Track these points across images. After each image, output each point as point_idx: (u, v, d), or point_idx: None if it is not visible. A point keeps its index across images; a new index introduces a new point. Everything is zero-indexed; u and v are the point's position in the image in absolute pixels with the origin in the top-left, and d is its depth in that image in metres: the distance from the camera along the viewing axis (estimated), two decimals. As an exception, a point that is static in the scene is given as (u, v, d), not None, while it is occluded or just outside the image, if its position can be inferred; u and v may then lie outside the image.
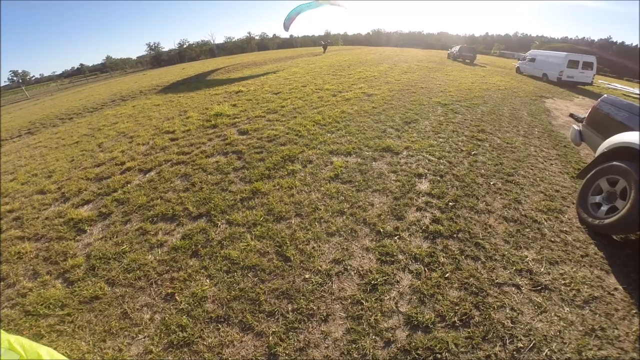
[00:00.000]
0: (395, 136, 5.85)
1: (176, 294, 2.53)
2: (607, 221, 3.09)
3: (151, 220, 3.54)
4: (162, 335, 2.20)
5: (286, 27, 23.74)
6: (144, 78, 25.81)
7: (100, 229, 3.55)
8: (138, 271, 2.80)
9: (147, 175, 4.75)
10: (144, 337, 2.21)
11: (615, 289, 2.60)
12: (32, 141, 8.66)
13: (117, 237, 3.31)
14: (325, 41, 39.05)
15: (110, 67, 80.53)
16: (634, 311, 2.38)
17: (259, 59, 28.23)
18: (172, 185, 4.32)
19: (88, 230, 3.53)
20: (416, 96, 9.34)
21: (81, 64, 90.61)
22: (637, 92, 19.71)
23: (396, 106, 8.04)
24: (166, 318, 2.32)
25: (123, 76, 44.66)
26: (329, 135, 5.88)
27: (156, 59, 79.81)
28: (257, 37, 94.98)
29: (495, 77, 16.00)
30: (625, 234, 3.27)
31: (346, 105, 8.08)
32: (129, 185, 4.48)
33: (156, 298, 2.52)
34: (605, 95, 4.43)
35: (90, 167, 5.37)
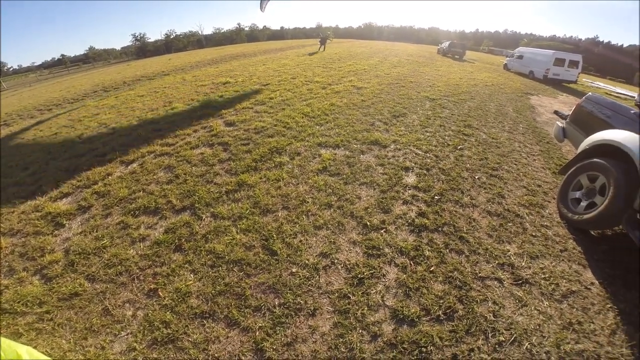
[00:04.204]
0: (383, 129, 5.85)
1: (159, 290, 2.47)
2: (586, 216, 3.17)
3: (133, 213, 3.44)
4: (146, 332, 2.15)
5: (262, 6, 22.35)
6: (128, 69, 25.02)
7: (79, 223, 3.43)
8: (119, 266, 2.72)
9: (128, 167, 4.61)
10: (127, 334, 2.16)
11: (592, 283, 2.68)
12: (9, 133, 8.30)
13: (97, 232, 3.20)
14: (324, 34, 27.60)
15: (93, 58, 77.85)
16: (609, 306, 2.45)
17: (248, 50, 27.78)
18: (155, 177, 4.21)
19: (67, 225, 3.40)
20: (405, 90, 9.37)
21: (62, 55, 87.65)
22: (620, 91, 20.28)
23: (385, 100, 8.05)
24: (149, 314, 2.27)
25: (106, 67, 43.17)
26: (317, 127, 5.84)
27: (141, 49, 77.45)
28: (246, 29, 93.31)
29: (483, 74, 16.18)
30: (602, 230, 3.37)
31: (336, 97, 8.04)
32: (109, 177, 4.34)
33: (139, 294, 2.46)
34: (590, 94, 4.50)
35: (70, 159, 5.19)
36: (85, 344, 2.10)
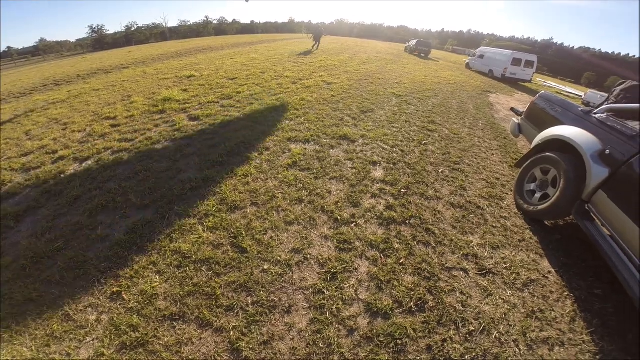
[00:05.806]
0: (352, 125, 5.93)
1: (123, 292, 2.34)
2: (540, 207, 3.39)
3: (90, 213, 3.21)
4: (113, 336, 2.03)
5: None
6: (83, 62, 23.17)
7: (29, 225, 3.15)
8: (77, 270, 2.53)
9: (83, 165, 4.30)
10: (93, 340, 2.02)
11: (549, 272, 2.87)
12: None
13: (50, 234, 2.96)
14: (317, 29, 21.37)
15: (43, 51, 71.42)
16: (566, 293, 2.64)
17: (216, 44, 26.82)
18: (113, 174, 3.96)
19: (15, 227, 3.12)
20: (373, 86, 9.54)
21: (8, 47, 79.86)
22: (569, 90, 21.98)
23: (354, 95, 8.15)
24: (114, 318, 2.14)
25: (59, 60, 39.68)
26: (287, 122, 5.79)
27: (99, 42, 72.22)
28: (215, 22, 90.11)
29: (446, 72, 16.84)
30: (555, 220, 3.63)
31: (306, 92, 8.01)
32: (62, 175, 4.02)
33: (101, 297, 2.31)
34: (543, 92, 4.82)
35: (16, 157, 4.74)
36: (48, 351, 1.95)
